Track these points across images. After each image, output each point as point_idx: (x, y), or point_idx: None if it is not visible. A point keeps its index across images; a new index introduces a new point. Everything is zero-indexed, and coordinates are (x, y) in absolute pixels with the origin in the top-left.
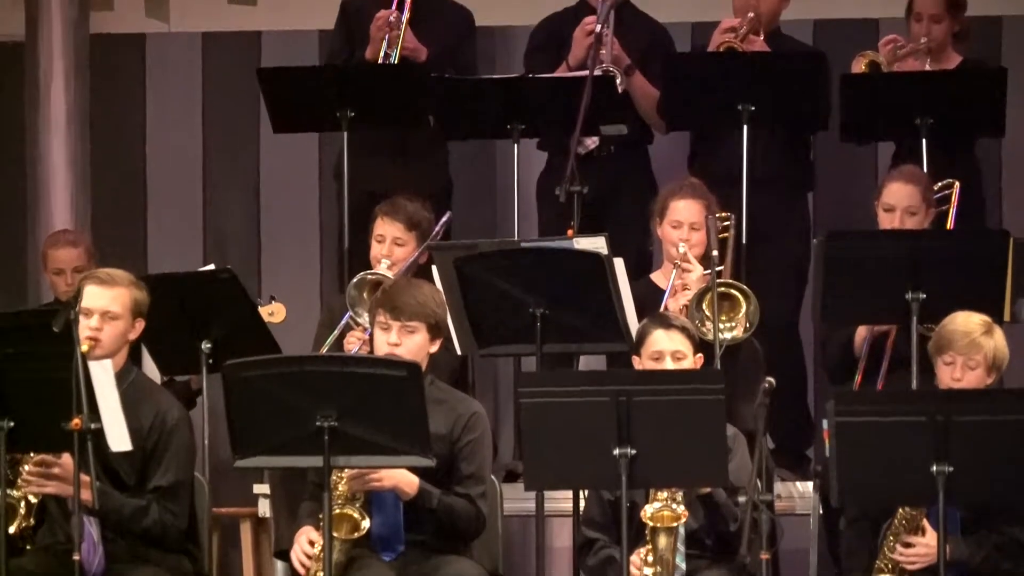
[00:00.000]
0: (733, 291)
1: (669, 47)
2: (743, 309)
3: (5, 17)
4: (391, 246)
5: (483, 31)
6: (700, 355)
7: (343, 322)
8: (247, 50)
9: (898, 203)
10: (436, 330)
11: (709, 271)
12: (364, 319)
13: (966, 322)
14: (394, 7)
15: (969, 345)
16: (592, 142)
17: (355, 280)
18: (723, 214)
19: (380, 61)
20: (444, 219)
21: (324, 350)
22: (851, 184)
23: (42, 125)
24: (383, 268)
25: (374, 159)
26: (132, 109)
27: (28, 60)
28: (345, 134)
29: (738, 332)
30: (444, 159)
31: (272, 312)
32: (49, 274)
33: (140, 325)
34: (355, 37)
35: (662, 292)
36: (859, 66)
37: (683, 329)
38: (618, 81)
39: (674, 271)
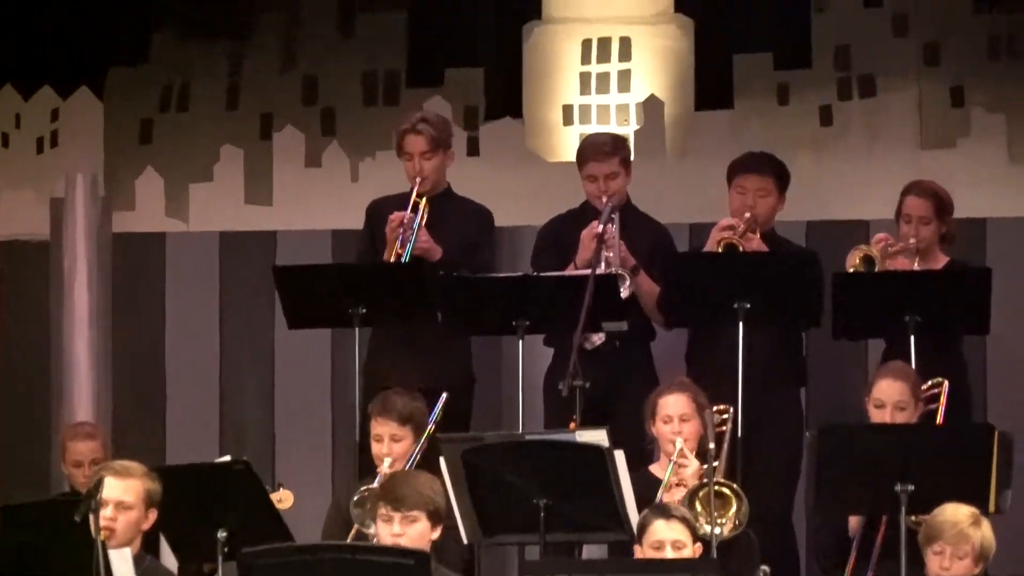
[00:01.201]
0: (725, 490)
1: (671, 246)
2: (733, 508)
3: (31, 216)
4: (389, 444)
5: None
6: (699, 544)
7: (355, 529)
8: (263, 248)
9: (888, 399)
10: (436, 517)
11: (705, 465)
12: (372, 530)
13: (955, 513)
14: (408, 210)
15: (957, 536)
16: (599, 338)
17: (355, 499)
18: (721, 407)
19: (394, 261)
20: (440, 401)
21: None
22: (842, 379)
23: (66, 320)
24: (385, 467)
25: (393, 353)
26: (152, 305)
27: (53, 258)
28: (356, 330)
29: (726, 530)
30: (465, 353)
31: (280, 499)
32: (68, 466)
33: (153, 515)
34: (378, 239)
35: (659, 483)
36: (854, 259)
37: (683, 519)
38: (627, 284)
39: (670, 466)
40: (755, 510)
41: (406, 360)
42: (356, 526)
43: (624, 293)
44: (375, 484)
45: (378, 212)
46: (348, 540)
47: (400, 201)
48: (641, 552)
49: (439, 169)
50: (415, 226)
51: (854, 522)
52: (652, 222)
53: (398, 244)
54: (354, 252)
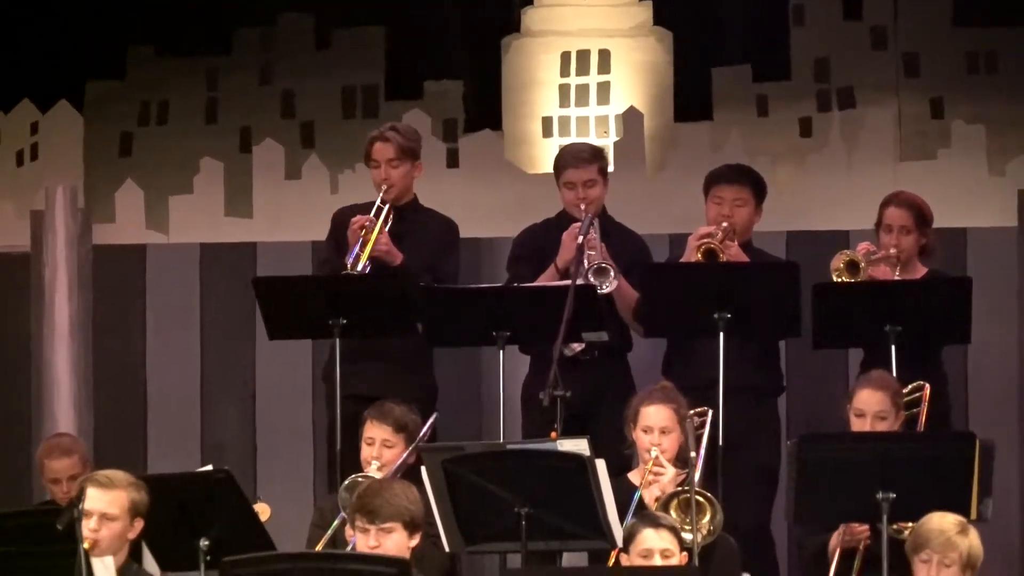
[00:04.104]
0: (699, 498)
1: (648, 257)
2: (707, 516)
3: (12, 229)
4: (380, 448)
5: (469, 243)
6: (684, 553)
7: (336, 523)
8: (243, 260)
9: (868, 409)
10: (413, 526)
11: (684, 471)
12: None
13: (941, 522)
14: (372, 213)
15: (944, 544)
16: (578, 345)
17: (346, 483)
18: (699, 409)
19: (348, 262)
20: (430, 421)
21: (319, 549)
22: (822, 388)
23: (46, 332)
24: (373, 470)
25: (362, 364)
26: (132, 317)
27: (33, 270)
28: (337, 341)
29: (699, 538)
30: (427, 363)
31: (257, 511)
32: (46, 482)
33: (139, 525)
34: (343, 247)
35: (637, 490)
36: (838, 263)
37: (671, 529)
38: (611, 277)
39: (646, 475)
40: (735, 520)
41: (367, 368)
42: (331, 528)
43: (608, 287)
44: (369, 473)
45: (344, 219)
46: (322, 543)
47: (366, 209)
48: (628, 560)
49: (405, 178)
50: (376, 229)
51: (834, 542)
52: (629, 232)
53: (358, 246)
54: (317, 260)
